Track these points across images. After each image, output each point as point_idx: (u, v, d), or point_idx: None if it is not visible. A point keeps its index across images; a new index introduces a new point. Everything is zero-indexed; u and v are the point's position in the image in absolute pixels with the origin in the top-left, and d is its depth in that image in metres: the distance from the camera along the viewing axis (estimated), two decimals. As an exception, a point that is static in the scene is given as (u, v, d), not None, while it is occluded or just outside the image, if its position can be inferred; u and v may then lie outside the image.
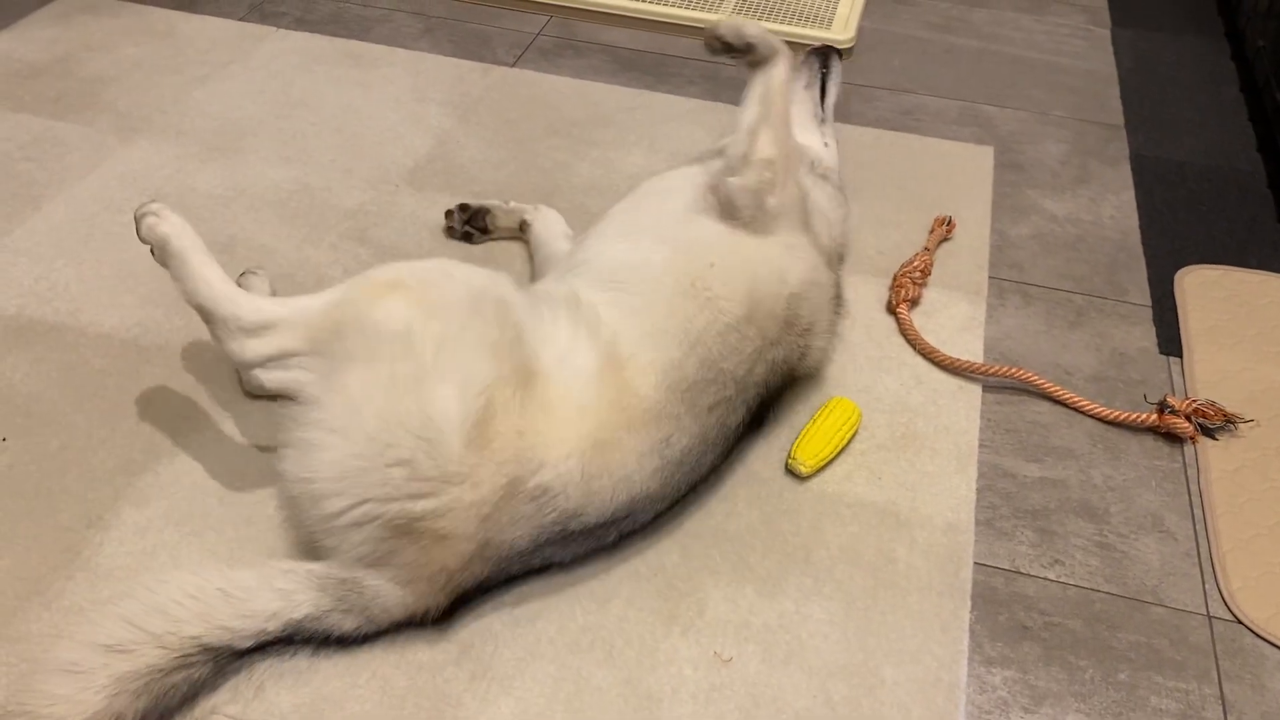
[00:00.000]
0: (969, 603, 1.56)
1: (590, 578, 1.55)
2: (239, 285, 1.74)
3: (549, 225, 2.10)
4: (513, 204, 2.17)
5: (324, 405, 1.40)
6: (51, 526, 1.56)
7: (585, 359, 1.49)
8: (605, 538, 1.52)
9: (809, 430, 1.75)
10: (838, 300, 1.84)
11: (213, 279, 1.49)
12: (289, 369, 1.46)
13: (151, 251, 1.54)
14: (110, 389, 1.78)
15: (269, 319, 1.46)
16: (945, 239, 2.23)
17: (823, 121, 2.17)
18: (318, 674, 1.41)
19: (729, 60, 1.84)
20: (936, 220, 2.25)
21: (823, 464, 1.72)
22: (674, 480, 1.53)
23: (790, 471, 1.72)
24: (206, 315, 1.49)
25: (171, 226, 1.52)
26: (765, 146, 1.70)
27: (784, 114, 1.77)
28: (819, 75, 2.19)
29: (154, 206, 1.54)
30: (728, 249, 1.65)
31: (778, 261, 1.66)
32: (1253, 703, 1.46)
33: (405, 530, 1.37)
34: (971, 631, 1.53)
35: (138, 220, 1.55)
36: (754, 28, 1.78)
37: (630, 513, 1.51)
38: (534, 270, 2.05)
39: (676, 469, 1.52)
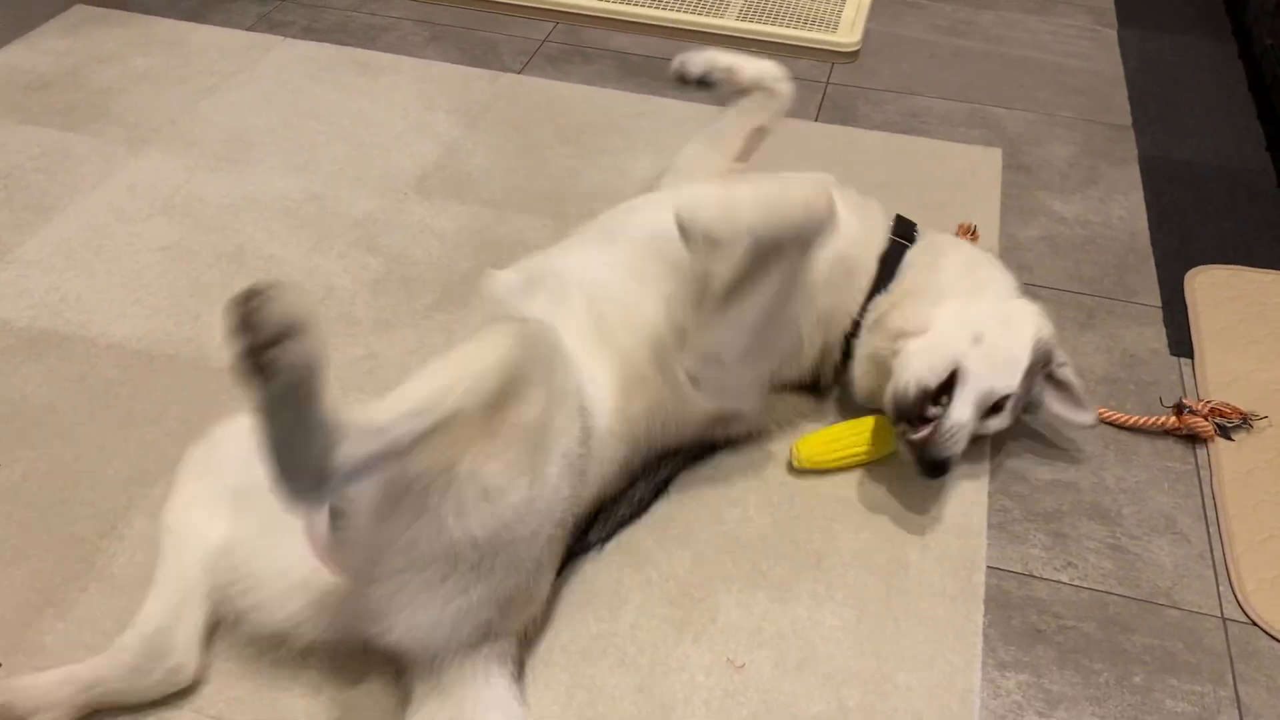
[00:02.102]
0: (982, 607, 1.56)
1: (603, 585, 1.55)
2: None
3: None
4: None
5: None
6: (65, 537, 1.57)
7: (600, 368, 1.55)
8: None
9: (825, 431, 1.75)
10: None
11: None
12: None
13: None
14: (122, 399, 1.79)
15: None
16: (962, 246, 2.21)
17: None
18: (331, 683, 1.41)
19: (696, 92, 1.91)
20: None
21: (818, 468, 1.72)
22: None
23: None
24: None
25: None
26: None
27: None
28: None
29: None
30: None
31: None
32: (1269, 705, 1.46)
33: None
34: (985, 635, 1.53)
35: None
36: (752, 66, 1.85)
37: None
38: None
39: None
